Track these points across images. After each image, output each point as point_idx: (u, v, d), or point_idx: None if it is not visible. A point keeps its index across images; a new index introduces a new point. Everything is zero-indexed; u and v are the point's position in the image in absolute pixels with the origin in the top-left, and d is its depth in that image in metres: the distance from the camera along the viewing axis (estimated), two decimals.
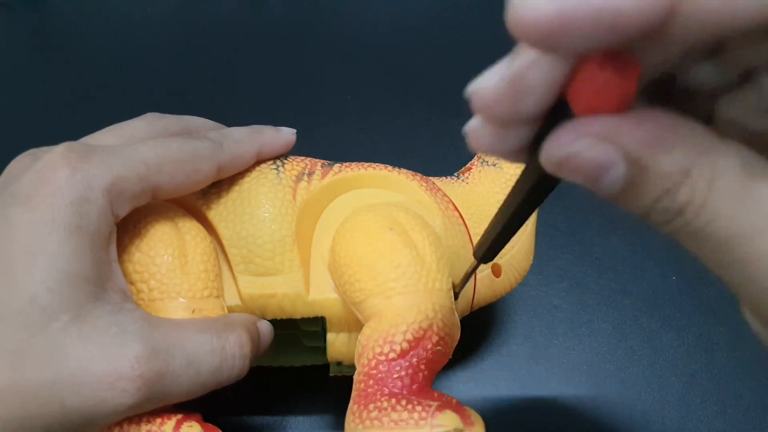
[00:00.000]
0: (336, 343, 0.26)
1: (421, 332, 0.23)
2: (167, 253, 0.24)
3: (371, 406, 0.21)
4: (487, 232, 0.20)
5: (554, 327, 0.35)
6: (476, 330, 0.30)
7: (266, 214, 0.25)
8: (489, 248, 0.21)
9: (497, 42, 0.56)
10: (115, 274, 0.22)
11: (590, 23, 0.12)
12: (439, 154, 0.43)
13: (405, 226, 0.25)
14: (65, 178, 0.21)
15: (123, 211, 0.22)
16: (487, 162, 0.30)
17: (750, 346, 0.35)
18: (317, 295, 0.26)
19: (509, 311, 0.35)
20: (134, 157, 0.22)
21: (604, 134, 0.13)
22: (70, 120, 0.44)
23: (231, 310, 0.26)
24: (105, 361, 0.20)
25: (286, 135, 0.28)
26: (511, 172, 0.29)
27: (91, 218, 0.21)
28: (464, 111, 0.47)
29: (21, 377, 0.19)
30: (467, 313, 0.29)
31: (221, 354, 0.22)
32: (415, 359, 0.22)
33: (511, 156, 0.16)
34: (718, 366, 0.34)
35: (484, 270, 0.28)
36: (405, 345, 0.22)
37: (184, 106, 0.45)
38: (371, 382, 0.22)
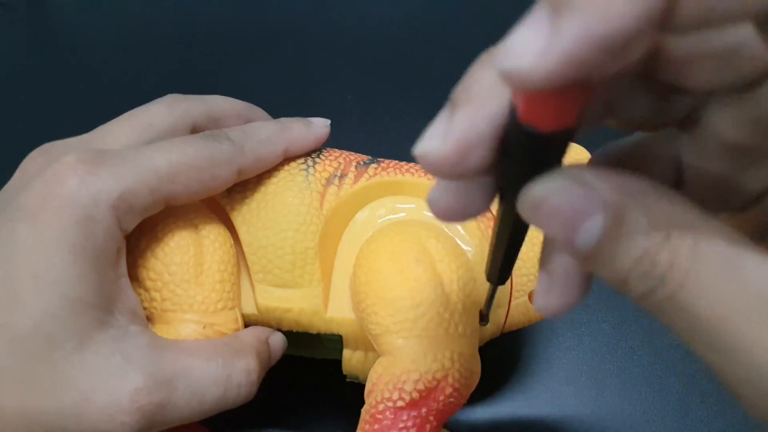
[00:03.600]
0: (352, 360, 0.26)
1: (435, 383, 0.22)
2: (183, 262, 0.23)
3: None
4: (492, 253, 0.19)
5: (554, 327, 0.35)
6: None
7: (290, 224, 0.24)
8: (498, 270, 0.19)
9: (497, 42, 0.56)
10: (123, 292, 0.22)
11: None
12: None
13: (433, 257, 0.23)
14: (71, 194, 0.20)
15: (132, 224, 0.22)
16: None
17: None
18: (335, 313, 0.24)
19: None
20: (146, 166, 0.21)
21: (582, 178, 0.12)
22: (71, 119, 0.44)
23: (247, 318, 0.25)
24: (105, 393, 0.20)
25: (318, 129, 0.26)
26: None
27: (98, 237, 0.20)
28: None
29: (28, 404, 0.19)
30: (495, 337, 0.27)
31: (226, 384, 0.22)
32: (424, 410, 0.21)
33: (480, 213, 0.15)
34: None
35: (520, 298, 0.27)
36: (415, 395, 0.21)
37: None
38: (376, 426, 0.21)
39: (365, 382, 0.23)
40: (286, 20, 0.51)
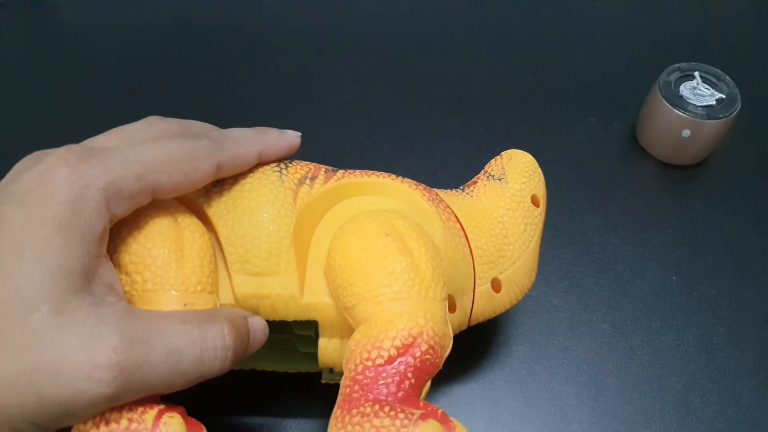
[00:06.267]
0: (328, 349, 0.26)
1: (410, 339, 0.23)
2: (164, 246, 0.24)
3: (354, 411, 0.21)
4: None
5: (554, 327, 0.35)
6: (476, 330, 0.30)
7: (265, 215, 0.25)
8: None
9: (496, 42, 0.56)
10: (102, 268, 0.22)
11: None
12: (439, 154, 0.43)
13: (402, 233, 0.25)
14: (62, 178, 0.21)
15: (121, 209, 0.23)
16: (493, 176, 0.30)
17: (750, 346, 0.35)
18: (311, 298, 0.25)
19: (509, 311, 0.35)
20: (132, 157, 0.23)
21: None
22: (70, 120, 0.44)
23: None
24: (82, 351, 0.20)
25: (290, 138, 0.28)
26: (516, 188, 0.29)
27: (84, 214, 0.21)
28: (464, 111, 0.47)
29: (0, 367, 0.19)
30: (464, 328, 0.29)
31: (202, 344, 0.22)
32: (402, 366, 0.22)
33: None
34: (718, 366, 0.34)
35: (484, 285, 0.28)
36: (393, 351, 0.22)
37: (184, 106, 0.45)
38: (357, 387, 0.22)
39: (341, 380, 0.23)
40: (286, 20, 0.52)
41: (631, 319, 0.36)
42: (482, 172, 0.31)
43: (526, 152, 0.31)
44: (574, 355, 0.34)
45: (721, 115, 0.39)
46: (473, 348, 0.34)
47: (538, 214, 0.29)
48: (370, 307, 0.23)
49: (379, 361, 0.22)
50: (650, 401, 0.33)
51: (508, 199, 0.29)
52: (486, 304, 0.28)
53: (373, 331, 0.23)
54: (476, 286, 0.28)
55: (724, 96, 0.40)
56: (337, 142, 0.43)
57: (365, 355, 0.22)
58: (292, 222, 0.26)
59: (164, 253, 0.24)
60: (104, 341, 0.20)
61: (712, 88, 0.41)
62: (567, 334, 0.35)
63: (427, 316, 0.23)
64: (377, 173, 0.28)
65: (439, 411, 0.21)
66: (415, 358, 0.22)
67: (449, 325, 0.24)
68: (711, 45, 0.51)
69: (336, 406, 0.22)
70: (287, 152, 0.28)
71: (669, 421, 0.32)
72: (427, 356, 0.23)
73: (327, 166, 0.29)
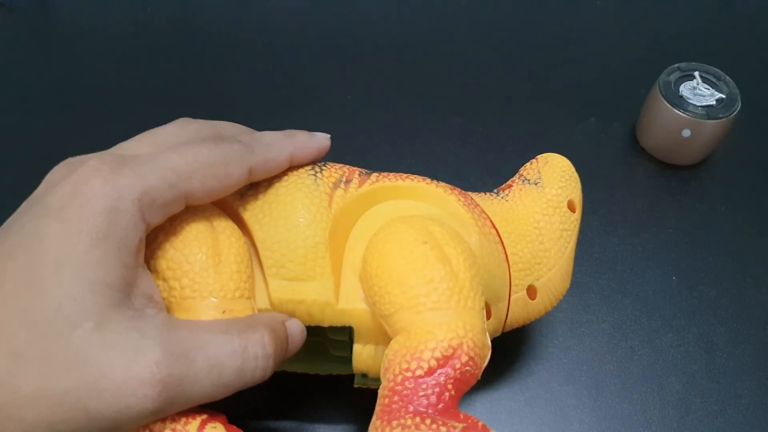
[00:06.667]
0: (362, 355, 0.26)
1: (451, 351, 0.22)
2: (201, 252, 0.24)
3: (395, 423, 0.21)
4: None
5: (554, 327, 0.35)
6: None
7: (301, 220, 0.25)
8: None
9: (497, 42, 0.56)
10: (141, 279, 0.22)
11: None
12: (439, 154, 0.43)
13: (439, 241, 0.24)
14: (96, 190, 0.21)
15: (155, 219, 0.23)
16: (529, 180, 0.29)
17: (750, 346, 0.35)
18: (346, 304, 0.25)
19: None
20: (165, 165, 0.23)
21: None
22: (71, 120, 0.44)
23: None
24: (125, 368, 0.20)
25: (320, 140, 0.28)
26: (552, 192, 0.29)
27: (120, 226, 0.21)
28: (464, 111, 0.47)
29: (47, 384, 0.20)
30: (498, 335, 0.28)
31: (243, 355, 0.22)
32: (442, 378, 0.22)
33: None
34: (718, 366, 0.34)
35: (519, 292, 0.28)
36: (433, 363, 0.22)
37: (185, 106, 0.45)
38: (396, 398, 0.22)
39: (374, 384, 0.23)
40: (287, 21, 0.52)
41: (631, 319, 0.36)
42: (517, 175, 0.30)
43: (562, 156, 0.30)
44: (574, 355, 0.34)
45: (721, 115, 0.39)
46: None
47: (575, 220, 0.29)
48: (408, 317, 0.23)
49: (419, 372, 0.22)
50: (650, 401, 0.33)
51: (544, 204, 0.29)
52: (521, 311, 0.28)
53: (412, 342, 0.23)
54: (512, 293, 0.27)
55: (724, 96, 0.40)
56: (337, 142, 0.43)
57: (405, 366, 0.22)
58: (327, 227, 0.25)
59: (202, 258, 0.24)
60: (147, 356, 0.20)
61: (712, 88, 0.41)
62: (567, 334, 0.35)
63: (466, 327, 0.23)
64: (411, 176, 0.28)
65: (480, 423, 0.21)
66: (455, 370, 0.22)
67: (487, 335, 0.24)
68: (711, 45, 0.51)
69: (375, 416, 0.22)
70: (318, 155, 0.28)
71: (669, 421, 0.32)
72: (467, 368, 0.22)
73: (360, 169, 0.28)
